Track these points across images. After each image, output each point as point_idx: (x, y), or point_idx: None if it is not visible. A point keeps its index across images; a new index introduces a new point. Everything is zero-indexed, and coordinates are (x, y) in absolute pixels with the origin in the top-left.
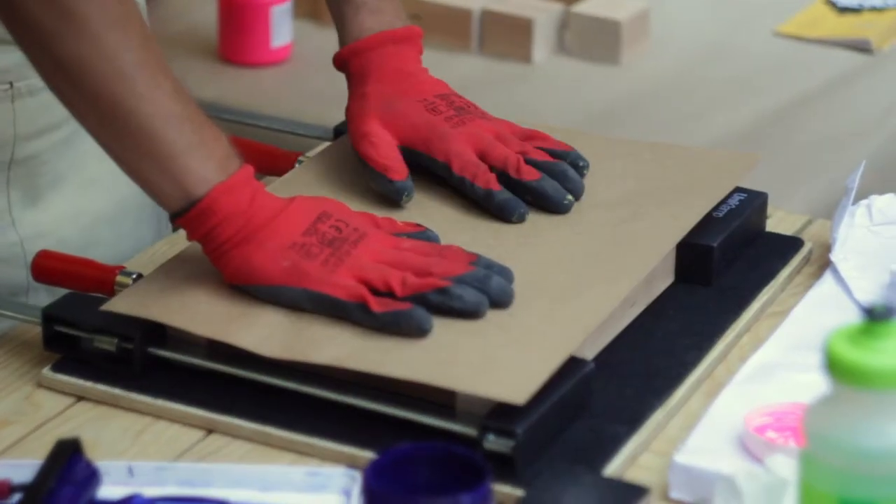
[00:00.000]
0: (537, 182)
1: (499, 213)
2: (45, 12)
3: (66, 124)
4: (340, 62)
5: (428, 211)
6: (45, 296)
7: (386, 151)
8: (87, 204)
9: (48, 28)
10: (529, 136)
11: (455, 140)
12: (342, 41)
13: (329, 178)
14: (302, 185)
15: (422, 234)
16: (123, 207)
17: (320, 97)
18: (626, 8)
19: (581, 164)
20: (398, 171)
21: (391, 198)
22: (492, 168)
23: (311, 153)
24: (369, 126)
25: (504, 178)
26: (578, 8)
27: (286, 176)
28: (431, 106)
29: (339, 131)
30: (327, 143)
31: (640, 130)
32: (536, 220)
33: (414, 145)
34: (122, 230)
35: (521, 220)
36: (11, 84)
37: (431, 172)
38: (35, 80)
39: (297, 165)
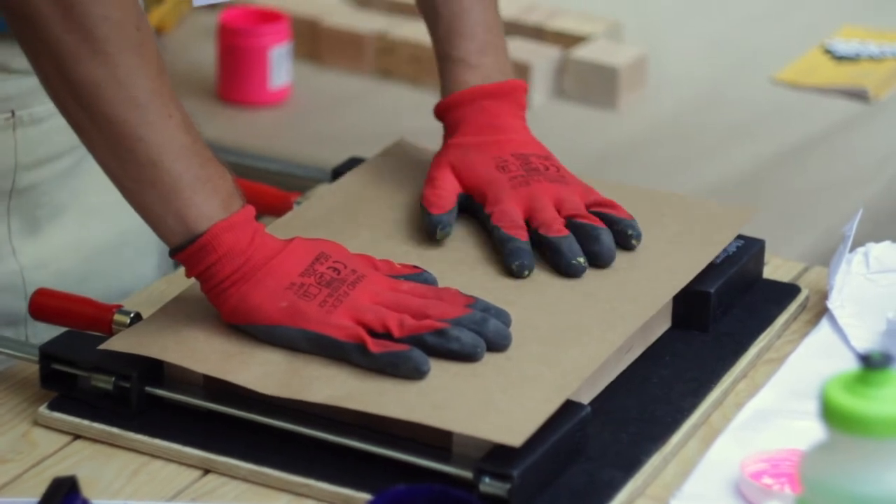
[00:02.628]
0: (556, 237)
1: (506, 259)
2: (65, 32)
3: (67, 155)
4: (438, 116)
5: (427, 254)
6: (44, 327)
7: (440, 192)
8: (88, 235)
9: (67, 48)
10: (599, 203)
11: (508, 199)
12: (442, 94)
13: (327, 220)
14: (300, 226)
15: (419, 277)
16: (125, 239)
17: (318, 138)
18: (624, 54)
19: (630, 232)
20: (439, 206)
21: (426, 229)
22: (530, 228)
23: (309, 194)
24: (439, 171)
25: (536, 234)
26: (577, 53)
27: (284, 217)
28: (503, 163)
29: (337, 172)
30: (325, 185)
31: (637, 176)
32: (536, 266)
33: (474, 196)
34: (123, 262)
35: (519, 270)
36: (13, 113)
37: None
38: (37, 109)
39: (294, 206)
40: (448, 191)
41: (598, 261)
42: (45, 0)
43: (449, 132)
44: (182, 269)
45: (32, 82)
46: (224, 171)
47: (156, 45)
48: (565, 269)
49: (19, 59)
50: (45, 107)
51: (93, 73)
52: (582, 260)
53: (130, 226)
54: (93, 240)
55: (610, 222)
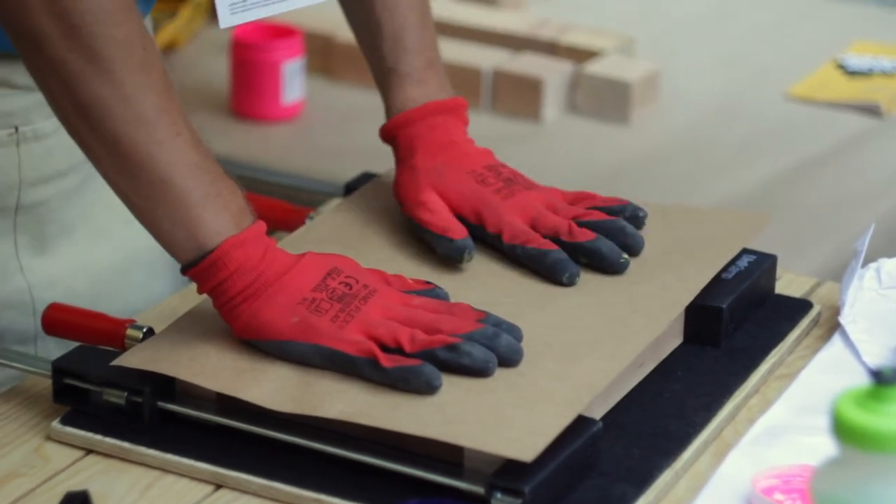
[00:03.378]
0: (592, 243)
1: (550, 273)
2: (70, 52)
3: (73, 173)
4: (387, 134)
5: (439, 269)
6: (54, 344)
7: (444, 215)
8: (97, 254)
9: (72, 68)
10: (578, 198)
11: (506, 212)
12: (388, 113)
13: (340, 235)
14: (312, 241)
15: (431, 292)
16: (135, 259)
17: (331, 153)
18: (636, 69)
19: (640, 214)
20: (458, 230)
21: (453, 257)
22: (544, 236)
23: (322, 209)
24: (425, 195)
25: (558, 243)
26: (589, 68)
27: (297, 232)
28: (480, 178)
29: (350, 188)
30: (338, 200)
31: (649, 190)
32: (546, 280)
33: (465, 216)
34: (134, 282)
35: (571, 281)
36: (16, 128)
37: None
38: (41, 125)
39: (307, 221)
40: (448, 213)
41: (634, 251)
42: (50, 21)
43: (404, 152)
44: (194, 284)
45: (36, 98)
46: (234, 187)
47: (162, 63)
48: (613, 271)
49: (22, 75)
50: (49, 122)
51: (99, 92)
52: (627, 257)
53: (141, 246)
54: (102, 260)
55: (614, 213)
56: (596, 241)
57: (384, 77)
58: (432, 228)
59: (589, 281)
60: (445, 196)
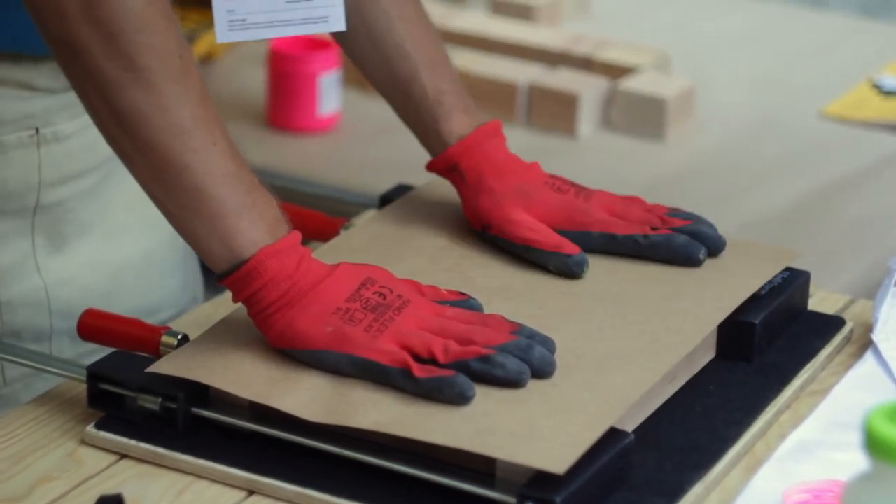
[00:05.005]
0: (694, 226)
1: (684, 255)
2: (108, 61)
3: (92, 172)
4: (446, 163)
5: (473, 280)
6: (68, 342)
7: (547, 231)
8: (114, 253)
9: (110, 77)
10: (635, 199)
11: (594, 211)
12: (439, 144)
13: (373, 246)
14: (347, 251)
15: (465, 303)
16: (150, 257)
17: (367, 165)
18: (672, 85)
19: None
20: (568, 245)
21: (571, 272)
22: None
23: (356, 220)
24: (516, 214)
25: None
26: (625, 84)
27: (331, 242)
28: (556, 186)
29: (385, 199)
30: (372, 211)
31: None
32: (580, 293)
33: (559, 226)
34: (149, 280)
35: (700, 262)
36: (37, 130)
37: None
38: (61, 127)
39: (341, 232)
40: (548, 228)
41: (716, 250)
42: (89, 29)
43: (472, 178)
44: (228, 292)
45: (56, 100)
46: (270, 197)
47: (199, 72)
48: (690, 263)
49: (44, 78)
50: (70, 124)
51: (136, 100)
52: (706, 251)
53: (156, 244)
54: (118, 257)
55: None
56: (696, 224)
57: (427, 108)
58: (543, 247)
59: (622, 294)
60: (533, 212)
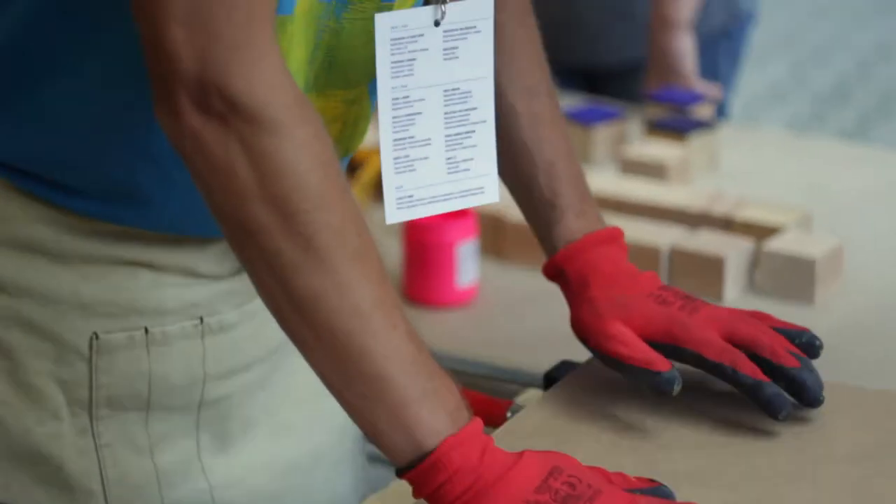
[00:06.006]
0: (798, 371)
1: (766, 407)
2: (286, 241)
3: (257, 365)
4: (554, 269)
5: (658, 465)
6: None
7: (640, 346)
8: (280, 451)
9: (288, 258)
10: (756, 316)
11: (697, 327)
12: (550, 248)
13: (550, 429)
14: (523, 436)
15: (657, 491)
16: (318, 457)
17: (508, 339)
18: (819, 244)
19: (817, 343)
20: (661, 362)
21: (660, 390)
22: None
23: (519, 399)
24: (613, 327)
25: (756, 360)
26: (770, 245)
27: (505, 426)
28: (660, 299)
29: (551, 378)
30: (533, 390)
31: (839, 373)
32: (772, 476)
33: (656, 339)
34: (316, 481)
35: (785, 419)
36: (202, 319)
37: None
38: (226, 316)
39: (508, 414)
40: (642, 343)
41: (811, 404)
42: (265, 209)
43: (576, 285)
44: (394, 486)
45: (221, 287)
46: (451, 382)
47: (377, 250)
48: (810, 404)
49: (208, 263)
50: (235, 313)
51: (314, 282)
52: (824, 394)
53: (325, 443)
54: (285, 457)
55: (788, 337)
56: (801, 370)
57: (542, 210)
58: (633, 363)
59: (818, 475)
60: (631, 324)
